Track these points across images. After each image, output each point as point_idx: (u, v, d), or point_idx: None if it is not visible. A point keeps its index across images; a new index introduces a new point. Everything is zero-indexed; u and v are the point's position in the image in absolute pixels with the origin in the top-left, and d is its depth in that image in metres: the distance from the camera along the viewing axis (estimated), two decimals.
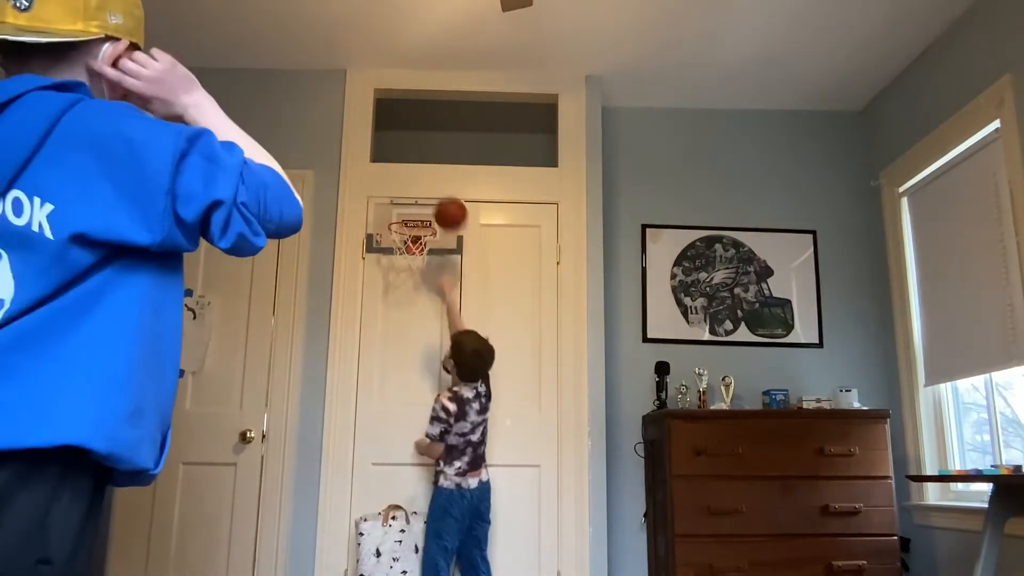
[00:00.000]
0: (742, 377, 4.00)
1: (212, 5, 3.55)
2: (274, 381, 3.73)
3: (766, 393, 3.87)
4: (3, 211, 1.01)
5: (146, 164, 1.03)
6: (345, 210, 3.93)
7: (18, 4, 1.11)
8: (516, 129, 4.53)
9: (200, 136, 1.10)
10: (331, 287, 3.82)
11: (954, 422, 3.70)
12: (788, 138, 4.41)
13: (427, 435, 3.27)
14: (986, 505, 2.74)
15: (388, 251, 3.88)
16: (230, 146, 1.13)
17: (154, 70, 1.24)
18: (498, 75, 4.11)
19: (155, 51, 1.26)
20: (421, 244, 3.85)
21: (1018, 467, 2.68)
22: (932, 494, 3.71)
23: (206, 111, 1.26)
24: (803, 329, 4.15)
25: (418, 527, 3.41)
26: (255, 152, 1.18)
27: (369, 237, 3.90)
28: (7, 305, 1.00)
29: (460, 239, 3.92)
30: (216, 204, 1.06)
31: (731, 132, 4.42)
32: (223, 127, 1.22)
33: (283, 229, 1.16)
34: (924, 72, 3.85)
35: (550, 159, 4.12)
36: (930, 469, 3.71)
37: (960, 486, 3.54)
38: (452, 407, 3.25)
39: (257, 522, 3.59)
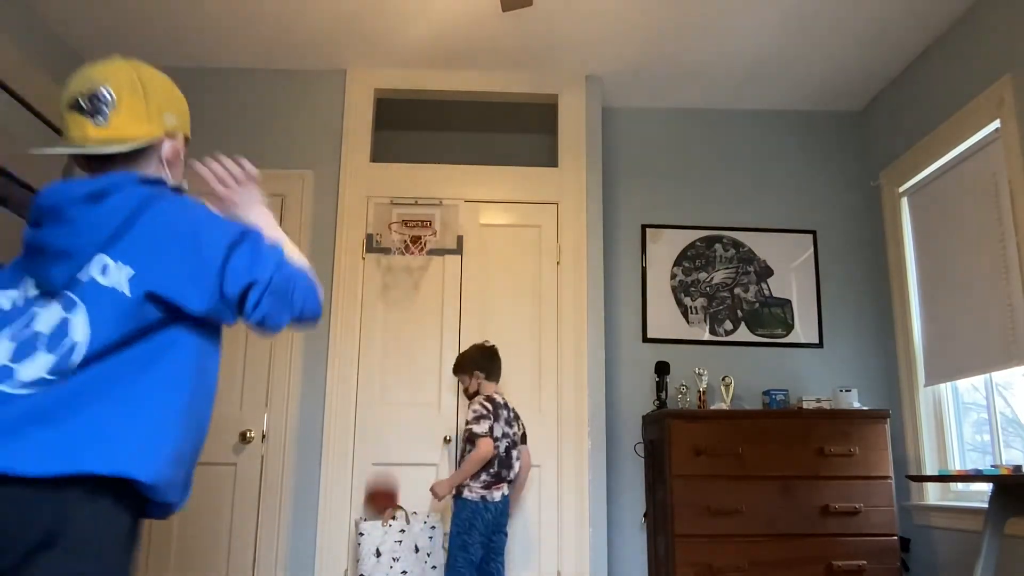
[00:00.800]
0: (742, 377, 4.00)
1: (212, 5, 3.55)
2: (274, 381, 3.73)
3: (766, 393, 3.87)
4: (92, 271, 1.28)
5: (205, 249, 1.31)
6: (345, 210, 3.93)
7: (96, 121, 1.38)
8: (516, 129, 4.53)
9: (251, 233, 1.37)
10: (331, 287, 3.82)
11: (954, 422, 3.70)
12: (788, 138, 4.41)
13: (476, 435, 3.17)
14: (986, 505, 2.74)
15: (388, 251, 3.88)
16: (274, 245, 1.38)
17: (237, 184, 1.54)
18: (498, 75, 4.11)
19: (244, 162, 1.54)
20: (421, 244, 3.85)
21: (1018, 467, 2.68)
22: (932, 494, 3.71)
23: (260, 216, 1.53)
24: (803, 329, 4.15)
25: (418, 527, 3.41)
26: (293, 254, 1.42)
27: (369, 237, 3.90)
28: (84, 349, 1.23)
29: (460, 239, 3.92)
30: (252, 284, 1.30)
31: (731, 132, 4.42)
32: (272, 231, 1.47)
33: (303, 319, 1.39)
34: (924, 72, 3.85)
35: (550, 159, 4.12)
36: (930, 469, 3.71)
37: (960, 486, 3.54)
38: (489, 405, 3.24)
39: (257, 522, 3.59)
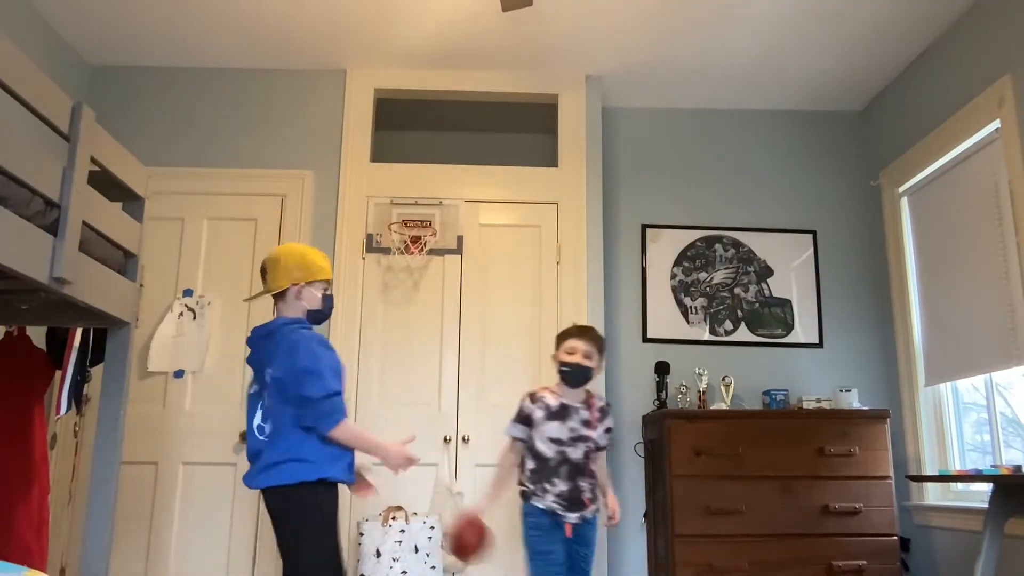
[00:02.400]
0: (742, 377, 4.00)
1: (213, 5, 3.55)
2: None
3: (766, 393, 3.87)
4: (269, 376, 2.33)
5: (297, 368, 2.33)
6: (345, 210, 3.93)
7: (265, 280, 2.48)
8: (516, 129, 4.53)
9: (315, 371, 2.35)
10: (331, 287, 3.81)
11: (954, 422, 3.70)
12: (788, 138, 4.41)
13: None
14: (986, 505, 2.74)
15: (388, 251, 3.88)
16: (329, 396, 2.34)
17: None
18: (498, 75, 4.11)
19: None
20: (421, 244, 3.85)
21: (1018, 467, 2.68)
22: (932, 494, 3.71)
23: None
24: (803, 329, 4.15)
25: (417, 527, 3.41)
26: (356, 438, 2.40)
27: (369, 237, 3.90)
28: (268, 430, 2.33)
29: (460, 239, 3.92)
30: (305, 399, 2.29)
31: (731, 132, 4.42)
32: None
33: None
34: (924, 72, 3.85)
35: (550, 159, 4.12)
36: (930, 469, 3.71)
37: (960, 486, 3.54)
38: (530, 402, 2.80)
39: (257, 522, 3.59)
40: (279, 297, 2.44)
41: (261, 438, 2.31)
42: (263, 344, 2.39)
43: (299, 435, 2.25)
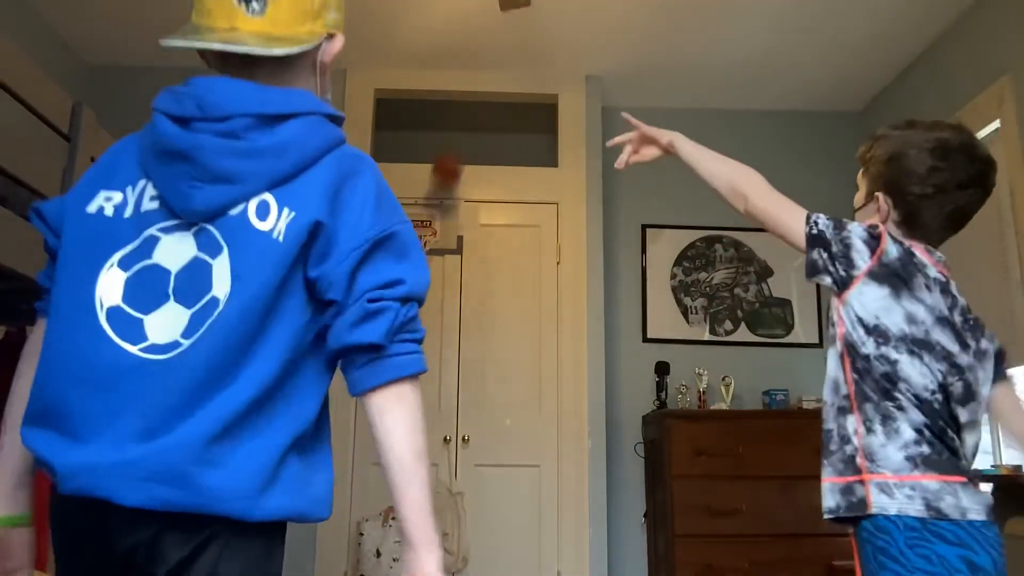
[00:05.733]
0: (742, 377, 4.00)
1: None
2: None
3: (766, 393, 3.87)
4: (248, 210, 1.03)
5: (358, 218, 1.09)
6: None
7: (250, 9, 1.08)
8: (516, 129, 4.53)
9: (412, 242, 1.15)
10: None
11: None
12: (788, 138, 4.41)
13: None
14: None
15: None
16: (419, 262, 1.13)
17: None
18: (498, 75, 4.11)
19: None
20: (421, 244, 3.84)
21: (1018, 467, 2.68)
22: None
23: None
24: (803, 329, 4.15)
25: None
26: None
27: None
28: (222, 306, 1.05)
29: (460, 239, 3.92)
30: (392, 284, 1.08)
31: (731, 132, 4.41)
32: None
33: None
34: (924, 72, 3.85)
35: (550, 159, 4.12)
36: None
37: None
38: (889, 241, 1.52)
39: None
40: (280, 61, 1.13)
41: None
42: (260, 134, 1.06)
43: None
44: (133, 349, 0.97)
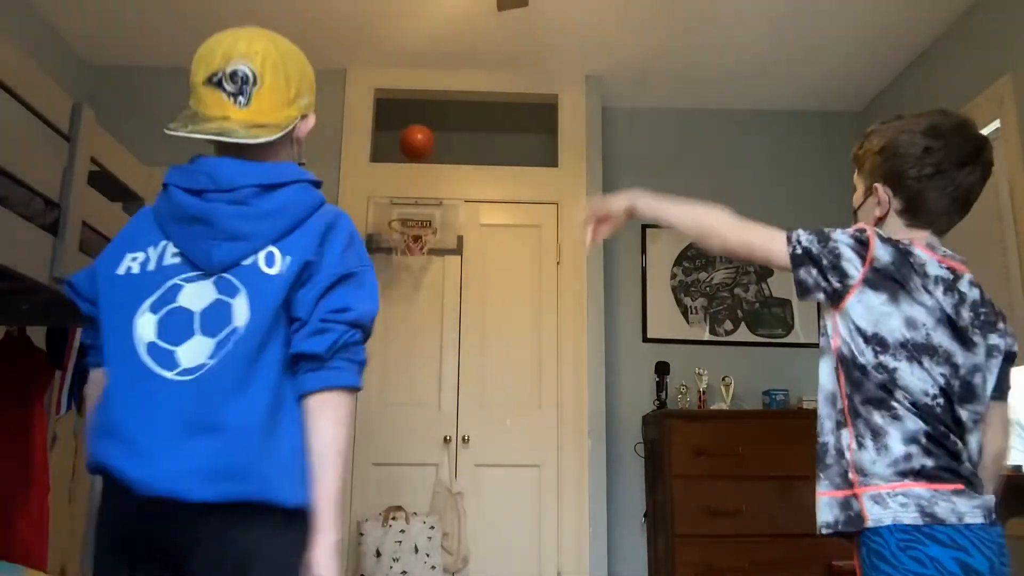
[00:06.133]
0: (742, 377, 3.99)
1: (213, 5, 3.54)
2: None
3: (766, 393, 3.87)
4: (259, 259, 1.27)
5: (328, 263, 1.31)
6: (345, 210, 3.88)
7: (238, 102, 1.32)
8: (516, 129, 4.53)
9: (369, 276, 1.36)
10: None
11: None
12: (788, 138, 4.41)
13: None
14: None
15: (388, 251, 3.88)
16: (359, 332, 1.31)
17: None
18: (498, 75, 4.11)
19: None
20: (421, 244, 3.85)
21: (1018, 467, 2.68)
22: None
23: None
24: (803, 329, 4.15)
25: (417, 527, 3.41)
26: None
27: (369, 237, 3.90)
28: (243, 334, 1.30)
29: (460, 239, 3.92)
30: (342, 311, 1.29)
31: (731, 132, 4.42)
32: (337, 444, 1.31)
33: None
34: (924, 72, 3.85)
35: (550, 159, 4.12)
36: None
37: None
38: (877, 245, 1.44)
39: None
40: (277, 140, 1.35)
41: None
42: (260, 199, 1.31)
43: None
44: (170, 374, 1.21)
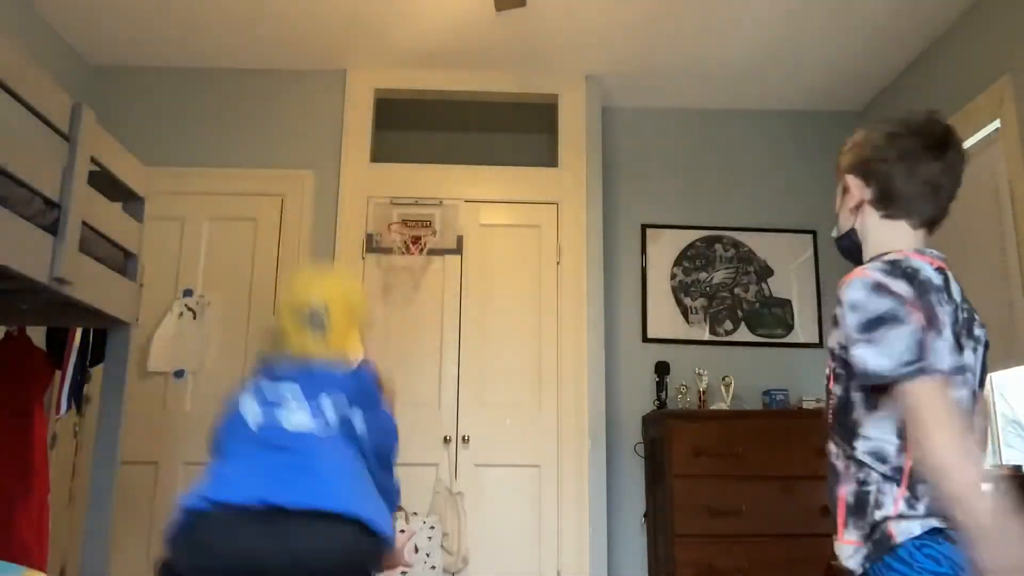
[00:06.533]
0: (742, 377, 3.99)
1: (212, 5, 3.54)
2: None
3: (766, 393, 3.87)
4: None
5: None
6: (345, 210, 3.93)
7: (315, 336, 1.67)
8: (516, 129, 4.53)
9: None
10: None
11: None
12: (788, 138, 4.41)
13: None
14: None
15: (388, 251, 3.88)
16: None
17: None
18: (498, 75, 4.11)
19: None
20: (421, 244, 3.85)
21: (1018, 467, 2.68)
22: None
23: None
24: (803, 329, 4.15)
25: (417, 527, 3.41)
26: None
27: (369, 237, 3.90)
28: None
29: (460, 239, 3.92)
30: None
31: (731, 132, 4.42)
32: None
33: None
34: (924, 72, 3.85)
35: (550, 159, 4.12)
36: None
37: None
38: (900, 283, 1.46)
39: None
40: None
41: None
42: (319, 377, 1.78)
43: None
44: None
